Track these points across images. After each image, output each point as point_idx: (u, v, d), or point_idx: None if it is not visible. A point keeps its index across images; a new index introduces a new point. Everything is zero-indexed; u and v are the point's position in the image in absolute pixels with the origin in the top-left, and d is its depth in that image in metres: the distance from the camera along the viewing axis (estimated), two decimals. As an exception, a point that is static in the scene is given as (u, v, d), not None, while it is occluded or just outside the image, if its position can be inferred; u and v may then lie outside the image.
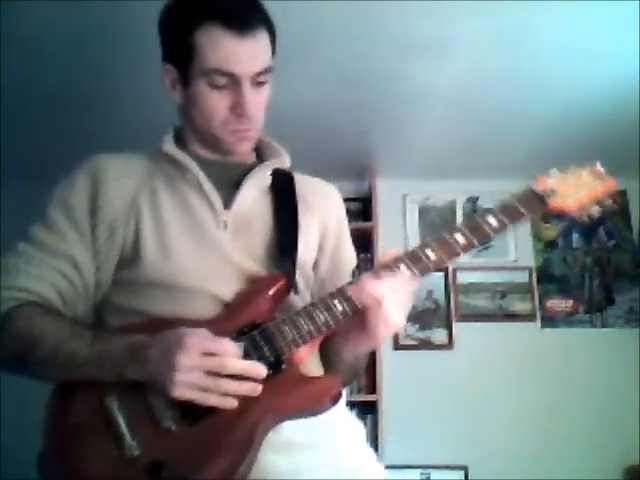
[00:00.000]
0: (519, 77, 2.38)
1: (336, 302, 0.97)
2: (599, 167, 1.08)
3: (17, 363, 1.00)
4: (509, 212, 1.02)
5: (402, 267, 0.98)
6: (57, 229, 1.05)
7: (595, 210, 1.06)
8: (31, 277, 1.02)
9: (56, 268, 1.03)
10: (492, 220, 1.01)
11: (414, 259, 0.99)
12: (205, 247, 1.05)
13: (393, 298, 0.94)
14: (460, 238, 1.00)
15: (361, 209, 3.22)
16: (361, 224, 3.03)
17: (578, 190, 1.05)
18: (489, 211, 1.02)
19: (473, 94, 2.50)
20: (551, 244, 3.28)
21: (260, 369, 0.91)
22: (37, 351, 0.96)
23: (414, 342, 3.13)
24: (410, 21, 2.06)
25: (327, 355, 1.10)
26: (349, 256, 1.23)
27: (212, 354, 0.88)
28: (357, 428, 1.10)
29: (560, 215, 1.06)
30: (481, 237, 1.00)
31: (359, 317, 0.97)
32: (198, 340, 0.89)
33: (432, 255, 0.99)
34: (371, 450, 1.10)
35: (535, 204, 1.03)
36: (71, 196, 1.07)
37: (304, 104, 2.50)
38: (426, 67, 2.31)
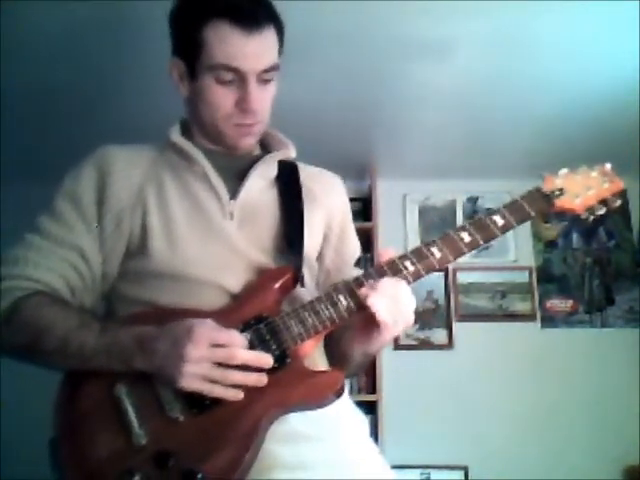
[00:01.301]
0: (519, 77, 2.38)
1: (341, 297, 0.97)
2: (608, 167, 1.08)
3: (26, 353, 1.01)
4: (516, 211, 1.02)
5: (407, 263, 0.98)
6: (65, 220, 1.06)
7: (602, 210, 1.07)
8: (40, 267, 1.03)
9: (65, 259, 1.04)
10: (499, 219, 1.01)
11: (419, 256, 0.99)
12: (212, 237, 1.06)
13: (384, 304, 0.94)
14: (466, 237, 1.00)
15: (361, 209, 3.22)
16: (361, 224, 3.01)
17: (586, 190, 1.05)
18: (496, 210, 1.02)
19: (473, 94, 2.50)
20: (551, 244, 3.28)
21: (267, 359, 0.92)
22: (45, 341, 0.97)
23: (414, 342, 3.14)
24: (410, 21, 2.06)
25: (335, 353, 1.10)
26: (353, 247, 1.24)
27: (220, 345, 0.89)
28: (361, 421, 1.11)
29: (565, 213, 1.07)
30: (487, 236, 1.01)
31: (367, 315, 0.96)
32: (207, 331, 0.90)
33: (437, 253, 0.99)
34: (374, 443, 1.11)
35: (542, 203, 1.03)
36: (78, 187, 1.08)
37: (304, 104, 2.50)
38: (426, 67, 2.31)
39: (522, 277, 3.23)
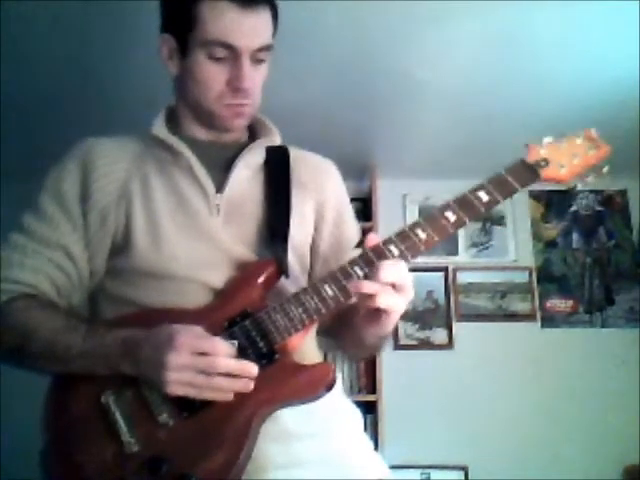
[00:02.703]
0: (519, 77, 2.38)
1: (326, 287, 0.95)
2: (594, 132, 1.04)
3: (13, 356, 1.00)
4: (501, 186, 0.97)
5: (392, 248, 0.94)
6: (49, 218, 1.04)
7: (589, 178, 1.03)
8: (25, 269, 1.01)
9: (50, 259, 1.02)
10: (483, 195, 0.97)
11: (404, 239, 0.95)
12: (197, 234, 1.03)
13: (389, 292, 0.90)
14: (451, 216, 0.96)
15: (361, 209, 3.22)
16: (361, 224, 3.00)
17: (572, 158, 1.02)
18: (480, 186, 0.98)
19: (473, 94, 2.50)
20: (551, 244, 3.28)
21: (251, 368, 0.90)
22: (32, 344, 0.96)
23: (414, 342, 3.14)
24: (411, 21, 2.06)
25: (350, 338, 1.07)
26: (352, 230, 1.20)
27: (203, 353, 0.88)
28: (354, 415, 1.10)
29: (553, 180, 1.01)
30: (472, 214, 0.96)
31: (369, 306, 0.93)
32: (188, 339, 0.88)
33: (422, 234, 0.95)
34: (367, 438, 1.10)
35: (527, 175, 0.99)
36: (62, 184, 1.06)
37: (304, 104, 2.50)
38: (427, 67, 2.31)
39: (522, 277, 3.23)
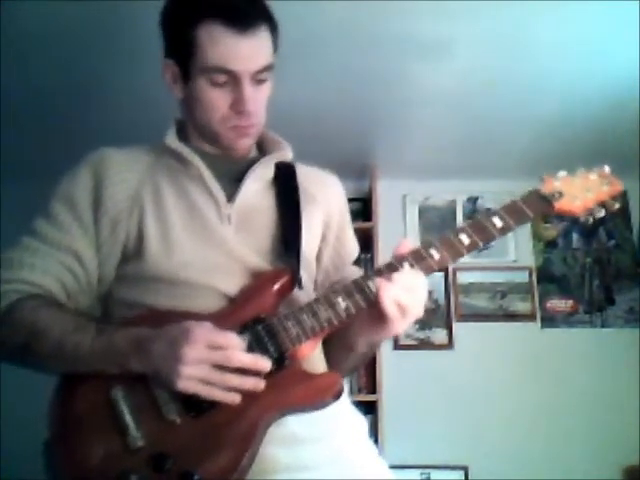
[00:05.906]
0: (519, 77, 2.38)
1: (340, 299, 0.97)
2: (607, 170, 1.08)
3: (21, 355, 1.00)
4: (515, 213, 1.01)
5: (406, 266, 0.98)
6: (61, 223, 1.06)
7: (601, 213, 1.07)
8: (35, 270, 1.02)
9: (60, 261, 1.04)
10: (497, 221, 1.01)
11: (418, 258, 0.99)
12: (208, 241, 1.05)
13: (408, 297, 0.95)
14: (465, 239, 1.00)
15: (361, 209, 3.22)
16: (361, 224, 3.01)
17: (585, 192, 1.05)
18: (494, 212, 1.02)
19: (473, 94, 2.50)
20: (551, 244, 3.28)
21: (265, 363, 0.91)
22: (41, 344, 0.97)
23: (414, 342, 3.13)
24: (411, 21, 2.06)
25: (340, 343, 1.09)
26: (352, 246, 1.24)
27: (218, 347, 0.89)
28: (359, 421, 1.11)
29: (564, 216, 1.06)
30: (486, 238, 1.00)
31: (372, 310, 0.97)
32: (204, 333, 0.89)
33: (436, 255, 0.99)
34: (372, 443, 1.11)
35: (541, 205, 1.03)
36: (74, 190, 1.07)
37: (304, 104, 2.50)
38: (426, 67, 2.31)
39: (522, 277, 3.23)
